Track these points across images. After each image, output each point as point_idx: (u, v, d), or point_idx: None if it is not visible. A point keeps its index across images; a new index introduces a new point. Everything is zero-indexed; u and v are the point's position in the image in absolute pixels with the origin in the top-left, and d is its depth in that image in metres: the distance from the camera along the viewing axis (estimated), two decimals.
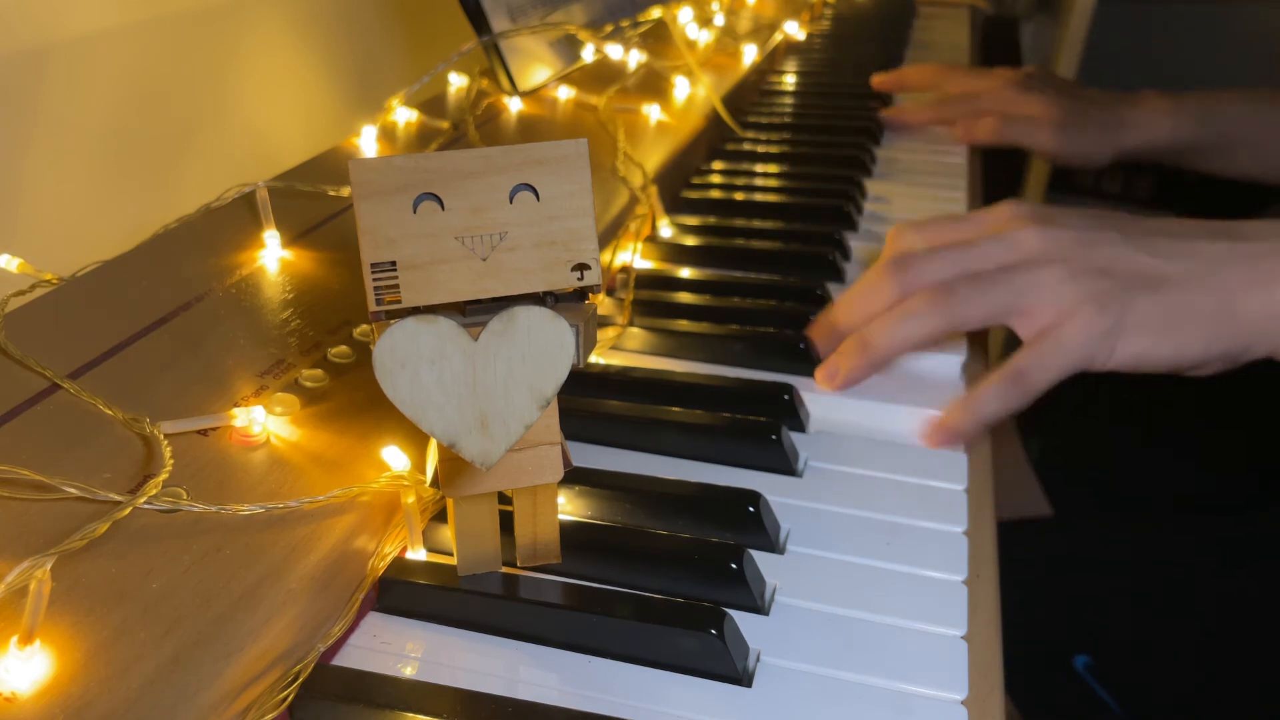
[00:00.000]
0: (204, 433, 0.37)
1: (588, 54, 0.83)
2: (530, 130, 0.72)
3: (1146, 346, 0.46)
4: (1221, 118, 0.89)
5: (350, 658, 0.34)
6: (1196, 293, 0.46)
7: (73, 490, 0.32)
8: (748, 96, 0.99)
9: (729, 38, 1.03)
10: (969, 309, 0.47)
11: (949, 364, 0.53)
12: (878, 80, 1.00)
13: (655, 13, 0.91)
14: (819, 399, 0.50)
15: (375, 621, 0.36)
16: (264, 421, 0.37)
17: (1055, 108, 0.88)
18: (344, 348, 0.43)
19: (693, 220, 0.71)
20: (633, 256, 0.62)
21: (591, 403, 0.48)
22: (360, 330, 0.45)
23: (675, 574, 0.38)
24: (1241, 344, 0.47)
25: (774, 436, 0.45)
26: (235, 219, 0.52)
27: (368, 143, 0.63)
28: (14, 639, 0.27)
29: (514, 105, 0.75)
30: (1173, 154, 0.92)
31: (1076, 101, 0.89)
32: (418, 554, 0.37)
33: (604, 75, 0.84)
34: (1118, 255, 0.47)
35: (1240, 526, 0.72)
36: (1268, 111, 0.90)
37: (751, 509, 0.40)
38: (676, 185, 0.76)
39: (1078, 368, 0.47)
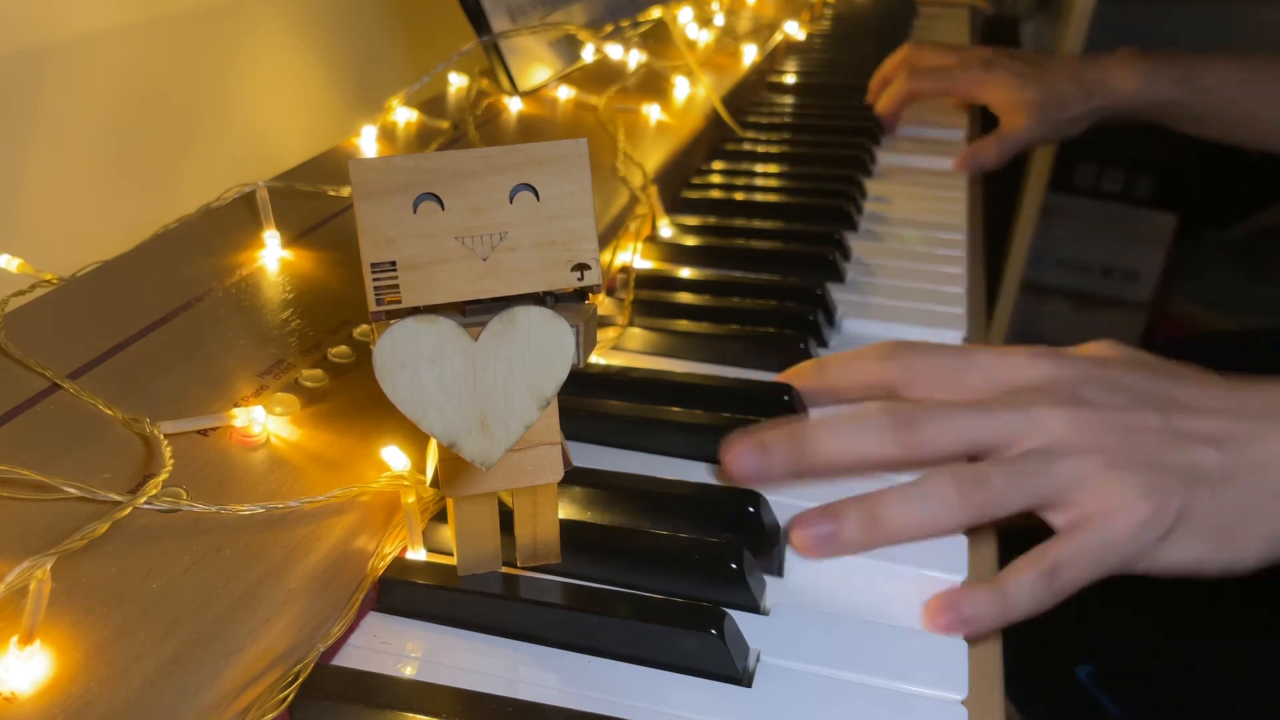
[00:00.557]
0: (204, 433, 0.37)
1: (588, 54, 0.83)
2: (530, 130, 0.72)
3: (1201, 552, 0.40)
4: (1205, 79, 0.87)
5: (350, 658, 0.34)
6: (1253, 496, 0.40)
7: (73, 490, 0.32)
8: (748, 96, 0.99)
9: (729, 38, 1.03)
10: (1006, 500, 0.40)
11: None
12: (871, 97, 0.98)
13: (655, 13, 0.91)
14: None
15: (375, 621, 0.36)
16: (264, 421, 0.37)
17: (1024, 88, 0.86)
18: (344, 348, 0.43)
19: (693, 220, 0.71)
20: (633, 256, 0.62)
21: (591, 403, 0.48)
22: (360, 330, 0.45)
23: (675, 574, 0.38)
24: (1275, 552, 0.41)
25: None
26: (235, 219, 0.52)
27: (368, 143, 0.63)
28: (14, 639, 0.27)
29: (514, 105, 0.75)
30: (1151, 113, 0.91)
31: (1043, 75, 0.88)
32: (418, 554, 0.37)
33: (604, 75, 0.84)
34: (1165, 446, 0.41)
35: None
36: (1255, 77, 0.88)
37: (752, 509, 0.40)
38: (676, 185, 0.76)
39: (1119, 569, 0.40)
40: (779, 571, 0.40)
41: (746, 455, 0.42)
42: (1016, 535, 0.43)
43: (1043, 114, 0.86)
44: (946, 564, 0.40)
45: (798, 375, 0.49)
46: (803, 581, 0.39)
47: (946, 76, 0.91)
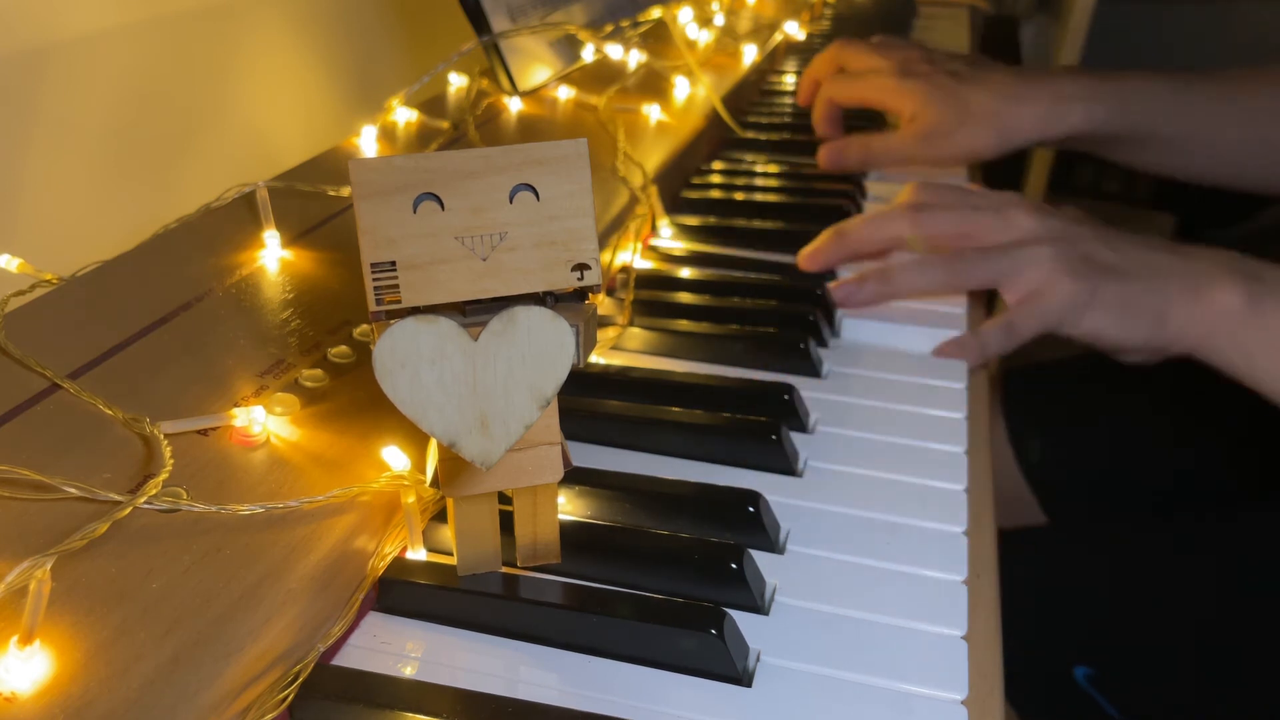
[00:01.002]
0: (204, 433, 0.37)
1: (588, 54, 0.83)
2: (530, 130, 0.72)
3: (1103, 324, 0.57)
4: (1145, 103, 0.78)
5: (350, 658, 0.34)
6: (1146, 292, 0.57)
7: (73, 490, 0.32)
8: (748, 96, 0.99)
9: (729, 38, 1.03)
10: (974, 273, 0.59)
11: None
12: (800, 96, 0.89)
13: (655, 13, 0.91)
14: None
15: (375, 621, 0.36)
16: (264, 421, 0.37)
17: (928, 108, 0.77)
18: (344, 348, 0.43)
19: (693, 220, 0.71)
20: (633, 256, 0.62)
21: (591, 403, 0.48)
22: (360, 330, 0.45)
23: (675, 574, 0.38)
24: (1166, 341, 0.58)
25: (774, 436, 0.45)
26: (235, 219, 0.52)
27: (368, 143, 0.63)
28: (14, 639, 0.27)
29: (514, 105, 0.75)
30: (1093, 145, 0.83)
31: (960, 92, 0.77)
32: (418, 554, 0.37)
33: (604, 75, 0.84)
34: (1091, 248, 0.58)
35: (1239, 533, 0.71)
36: (1185, 99, 0.80)
37: (751, 509, 0.40)
38: (676, 185, 0.76)
39: (1052, 328, 0.58)
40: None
41: (808, 257, 0.64)
42: (1013, 531, 0.53)
43: (936, 136, 0.78)
44: (946, 564, 0.40)
45: (820, 248, 0.63)
46: (803, 578, 0.39)
47: (862, 84, 0.82)
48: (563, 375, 0.30)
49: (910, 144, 0.78)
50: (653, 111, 0.79)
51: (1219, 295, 0.57)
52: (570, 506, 0.42)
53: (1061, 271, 0.56)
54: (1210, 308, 0.57)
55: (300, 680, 0.31)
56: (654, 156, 0.71)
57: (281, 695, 0.31)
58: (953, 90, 0.77)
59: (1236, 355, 0.57)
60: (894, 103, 0.80)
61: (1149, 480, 0.85)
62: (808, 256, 0.63)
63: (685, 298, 0.60)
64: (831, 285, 0.61)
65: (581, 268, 0.31)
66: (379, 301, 0.30)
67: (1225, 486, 0.83)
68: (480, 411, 0.30)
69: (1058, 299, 0.56)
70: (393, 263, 0.30)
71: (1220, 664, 0.67)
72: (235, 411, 0.37)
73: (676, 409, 0.48)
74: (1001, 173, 0.95)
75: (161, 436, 0.35)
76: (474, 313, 0.31)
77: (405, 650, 0.35)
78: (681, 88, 0.84)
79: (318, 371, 0.41)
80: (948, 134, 0.77)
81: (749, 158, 0.85)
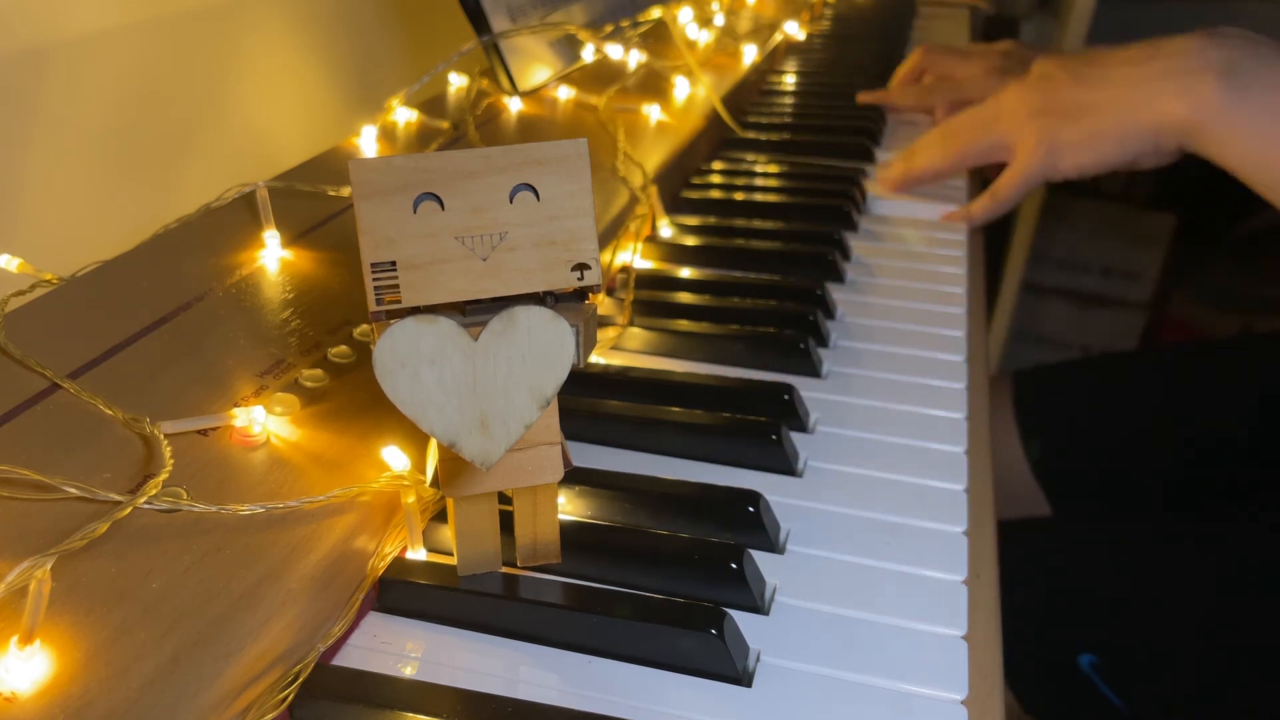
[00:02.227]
0: (204, 433, 0.37)
1: (588, 54, 0.83)
2: (530, 130, 0.72)
3: (1077, 161, 0.66)
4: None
5: (350, 658, 0.34)
6: (1110, 113, 0.64)
7: (73, 490, 0.32)
8: (748, 96, 0.99)
9: (729, 38, 1.03)
10: (966, 149, 0.73)
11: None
12: (863, 99, 0.98)
13: (655, 13, 0.91)
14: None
15: (375, 621, 0.36)
16: (264, 421, 0.37)
17: (1030, 123, 0.91)
18: (344, 348, 0.43)
19: (693, 220, 0.71)
20: (633, 256, 0.62)
21: (591, 403, 0.48)
22: (360, 330, 0.45)
23: (675, 574, 0.38)
24: (1153, 142, 0.63)
25: (774, 436, 0.45)
26: (235, 219, 0.52)
27: (368, 143, 0.63)
28: (14, 639, 0.27)
29: (514, 105, 0.75)
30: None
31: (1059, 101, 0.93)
32: (418, 554, 0.37)
33: (604, 75, 0.84)
34: (1058, 92, 0.66)
35: (1242, 524, 0.72)
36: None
37: (751, 509, 0.40)
38: (676, 185, 0.76)
39: (1037, 181, 0.68)
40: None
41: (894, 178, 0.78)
42: (1019, 522, 0.67)
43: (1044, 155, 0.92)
44: (946, 564, 0.40)
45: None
46: (803, 578, 0.39)
47: (958, 86, 0.94)
48: (563, 375, 0.30)
49: (1034, 166, 0.97)
50: (653, 111, 0.79)
51: (1200, 88, 0.61)
52: (570, 506, 0.42)
53: (1030, 130, 0.66)
54: (1192, 102, 0.61)
55: (300, 680, 0.31)
56: (654, 156, 0.71)
57: (281, 695, 0.31)
58: (1054, 100, 0.97)
59: (1223, 147, 0.61)
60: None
61: (1154, 477, 0.85)
62: (894, 183, 0.78)
63: (685, 298, 0.60)
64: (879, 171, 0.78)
65: (581, 268, 0.31)
66: (379, 301, 0.30)
67: (1229, 482, 0.83)
68: (480, 411, 0.30)
69: (1030, 157, 0.67)
70: (393, 263, 0.30)
71: (1223, 654, 0.67)
72: (235, 411, 0.37)
73: (676, 409, 0.48)
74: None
75: (161, 436, 0.35)
76: (474, 313, 0.31)
77: (405, 650, 0.35)
78: (681, 88, 0.84)
79: (318, 371, 0.41)
80: (1051, 152, 0.97)
81: (749, 158, 0.85)
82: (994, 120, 0.70)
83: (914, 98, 0.96)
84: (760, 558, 0.39)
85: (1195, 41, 0.64)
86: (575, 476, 0.42)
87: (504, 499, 0.35)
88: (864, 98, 0.98)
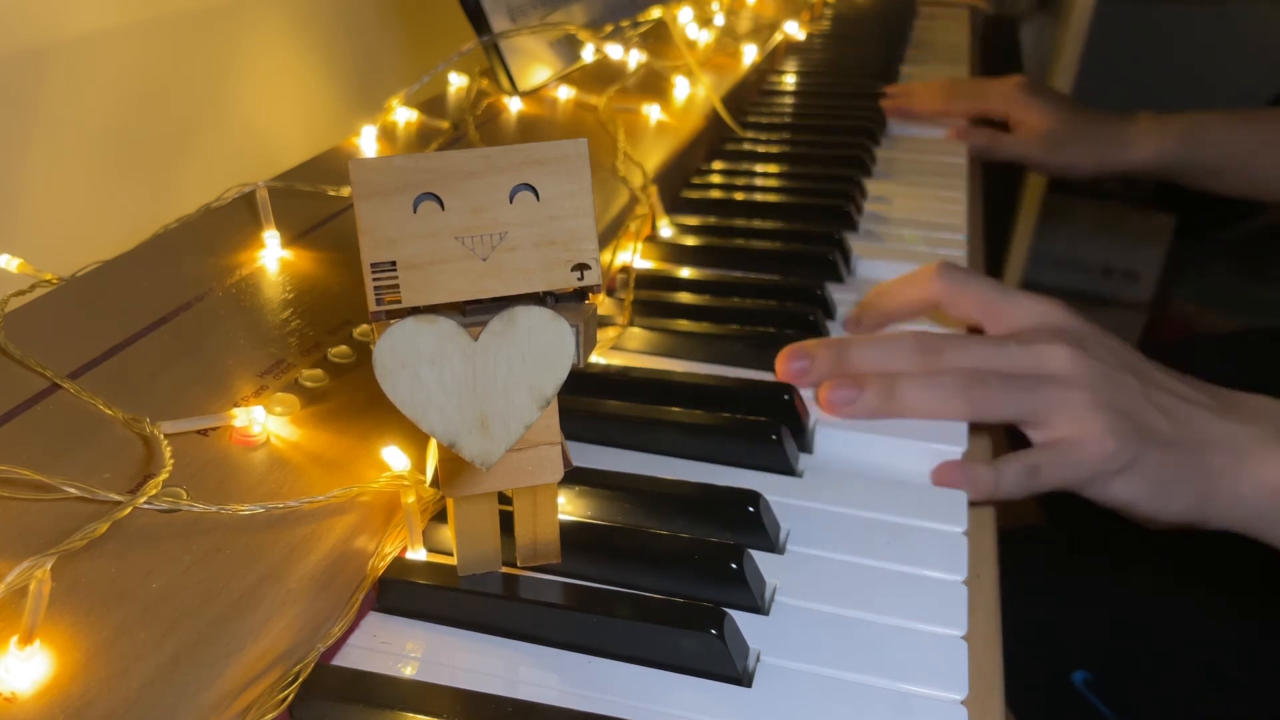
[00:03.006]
0: (204, 433, 0.37)
1: (588, 54, 0.83)
2: (530, 130, 0.72)
3: (1137, 494, 0.50)
4: (1208, 139, 0.93)
5: (350, 658, 0.34)
6: (1188, 466, 0.50)
7: (73, 490, 0.32)
8: (748, 96, 0.99)
9: (729, 38, 1.03)
10: (995, 405, 0.49)
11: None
12: (886, 102, 1.00)
13: (655, 13, 0.91)
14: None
15: (375, 621, 0.36)
16: (264, 421, 0.37)
17: (1053, 118, 0.94)
18: (344, 348, 0.43)
19: (693, 220, 0.71)
20: (633, 256, 0.62)
21: (591, 403, 0.48)
22: (360, 330, 0.45)
23: (675, 574, 0.38)
24: (1203, 517, 0.51)
25: (774, 436, 0.45)
26: (235, 219, 0.52)
27: (368, 143, 0.63)
28: (14, 639, 0.27)
29: (514, 105, 0.75)
30: (1161, 173, 0.96)
31: (1074, 115, 0.95)
32: (418, 554, 0.37)
33: (604, 75, 0.84)
34: (1136, 404, 0.50)
35: (1237, 541, 0.72)
36: (1250, 131, 0.94)
37: (751, 509, 0.40)
38: (676, 185, 0.76)
39: (1078, 485, 0.49)
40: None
41: (794, 360, 0.51)
42: (1014, 533, 0.51)
43: (1052, 144, 0.94)
44: (946, 564, 0.40)
45: (813, 362, 0.52)
46: (803, 578, 0.39)
47: (985, 97, 0.97)
48: (563, 375, 0.30)
49: (1033, 146, 0.94)
50: (653, 111, 0.79)
51: (1268, 471, 0.50)
52: (570, 506, 0.42)
53: (1101, 426, 0.48)
54: (1258, 488, 0.50)
55: (300, 680, 0.31)
56: (654, 156, 0.71)
57: (281, 695, 0.31)
58: (1071, 113, 0.95)
59: None
60: (1020, 112, 0.96)
61: None
62: (793, 363, 0.52)
63: (685, 298, 0.60)
64: (821, 391, 0.50)
65: (581, 268, 0.31)
66: (379, 301, 0.30)
67: None
68: (480, 411, 0.30)
69: (1095, 456, 0.48)
70: (393, 263, 0.30)
71: (1217, 670, 0.67)
72: (235, 411, 0.37)
73: (676, 409, 0.48)
74: (1003, 171, 0.97)
75: (161, 436, 0.35)
76: (474, 313, 0.31)
77: (405, 650, 0.35)
78: (681, 88, 0.84)
79: (318, 371, 0.41)
80: (1064, 145, 0.94)
81: (749, 158, 0.85)
82: (1047, 387, 0.49)
83: (939, 102, 0.97)
84: (760, 558, 0.39)
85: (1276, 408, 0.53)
86: (575, 476, 0.42)
87: (504, 499, 0.35)
88: (888, 104, 0.99)
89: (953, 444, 0.48)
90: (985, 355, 0.50)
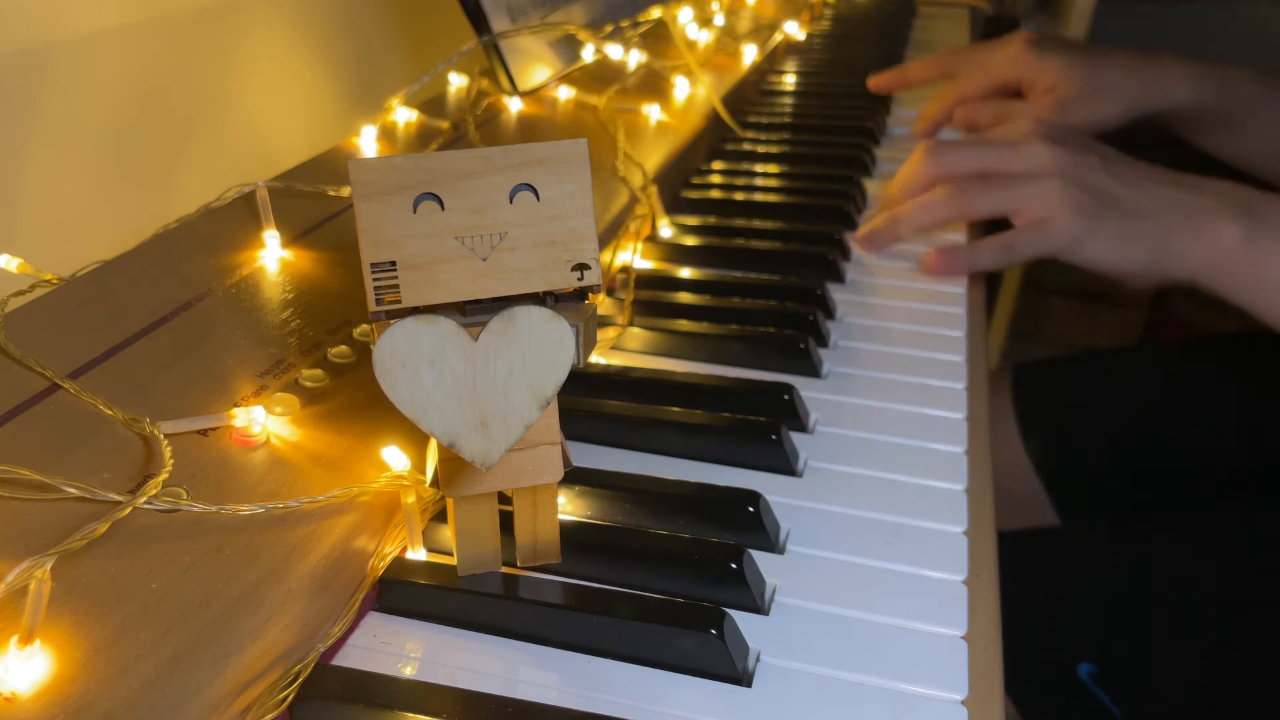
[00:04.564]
0: (204, 433, 0.37)
1: (588, 54, 0.83)
2: (530, 130, 0.72)
3: (1102, 253, 0.62)
4: (1240, 92, 0.87)
5: (350, 658, 0.34)
6: (1147, 225, 0.61)
7: (73, 490, 0.32)
8: (748, 96, 0.99)
9: (729, 38, 1.03)
10: (979, 205, 0.63)
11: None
12: (875, 82, 0.98)
13: (655, 13, 0.91)
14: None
15: (375, 621, 0.36)
16: (264, 421, 0.37)
17: (1069, 74, 0.86)
18: (344, 348, 0.43)
19: (693, 220, 0.71)
20: (633, 256, 0.62)
21: (591, 403, 0.48)
22: (360, 330, 0.45)
23: (675, 574, 0.38)
24: (1164, 272, 0.62)
25: (774, 436, 0.45)
26: (235, 219, 0.52)
27: (368, 143, 0.63)
28: (14, 639, 0.27)
29: (514, 105, 0.75)
30: (1188, 122, 0.90)
31: (1091, 64, 0.87)
32: (418, 554, 0.37)
33: (604, 75, 0.84)
34: (1099, 180, 0.62)
35: (1244, 531, 0.72)
36: (1271, 96, 0.88)
37: (751, 509, 0.40)
38: (676, 185, 0.76)
39: (1051, 253, 0.62)
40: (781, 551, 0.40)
41: (866, 244, 0.68)
42: (1019, 531, 0.58)
43: (1067, 105, 0.85)
44: (946, 564, 0.40)
45: (880, 232, 0.67)
46: (803, 578, 0.39)
47: (989, 67, 0.90)
48: (563, 375, 0.30)
49: (1047, 111, 0.86)
50: (653, 111, 0.79)
51: (1218, 231, 0.60)
52: (570, 506, 0.42)
53: (1067, 203, 0.60)
54: (1209, 244, 0.60)
55: (300, 680, 0.31)
56: (654, 156, 0.71)
57: (281, 695, 0.31)
58: (1088, 63, 0.87)
59: (1235, 288, 0.61)
60: (1031, 74, 0.89)
61: (1154, 478, 0.85)
62: (867, 240, 0.68)
63: (685, 298, 0.60)
64: (853, 241, 0.67)
65: (581, 268, 0.31)
66: (379, 301, 0.30)
67: (1230, 485, 0.83)
68: (480, 411, 0.30)
69: (1060, 228, 0.61)
70: (393, 263, 0.30)
71: (1223, 662, 0.67)
72: (235, 411, 0.37)
73: (676, 409, 0.48)
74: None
75: (161, 436, 0.35)
76: (474, 313, 0.31)
77: (405, 650, 0.35)
78: (681, 88, 0.84)
79: (318, 371, 0.41)
80: (1083, 102, 0.86)
81: (749, 158, 0.85)
82: (1022, 182, 0.63)
83: (934, 69, 0.93)
84: (760, 558, 0.39)
85: (1231, 187, 0.63)
86: (575, 476, 0.42)
87: (504, 499, 0.35)
88: (876, 81, 0.95)
89: (952, 444, 0.48)
90: (978, 155, 0.65)
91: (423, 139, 0.67)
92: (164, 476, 0.33)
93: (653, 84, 0.85)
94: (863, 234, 0.67)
